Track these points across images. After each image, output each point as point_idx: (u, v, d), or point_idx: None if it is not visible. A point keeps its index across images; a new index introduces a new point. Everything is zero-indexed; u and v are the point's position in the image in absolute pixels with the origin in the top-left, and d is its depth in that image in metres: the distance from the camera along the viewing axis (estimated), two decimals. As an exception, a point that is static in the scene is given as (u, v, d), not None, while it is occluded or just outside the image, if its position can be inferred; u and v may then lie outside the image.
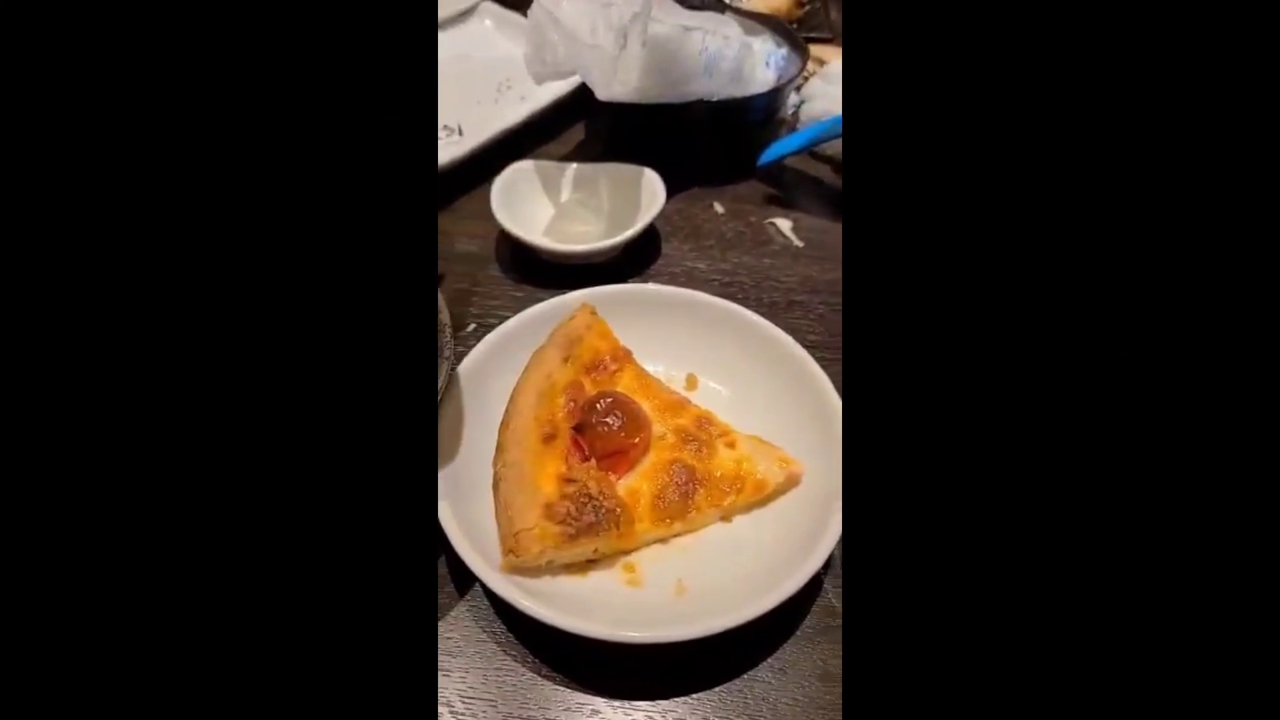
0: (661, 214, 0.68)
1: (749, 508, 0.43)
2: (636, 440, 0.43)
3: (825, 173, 0.73)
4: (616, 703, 0.38)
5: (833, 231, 0.67)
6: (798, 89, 0.79)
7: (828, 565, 0.43)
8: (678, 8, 0.64)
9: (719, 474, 0.43)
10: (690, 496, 0.42)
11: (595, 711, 0.38)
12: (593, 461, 0.42)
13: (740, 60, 0.66)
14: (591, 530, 0.39)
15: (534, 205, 0.64)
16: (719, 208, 0.69)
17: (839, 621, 0.41)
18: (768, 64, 0.73)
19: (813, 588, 0.42)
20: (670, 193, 0.70)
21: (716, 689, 0.38)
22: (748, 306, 0.59)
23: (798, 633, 0.41)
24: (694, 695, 0.38)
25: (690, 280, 0.62)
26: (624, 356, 0.49)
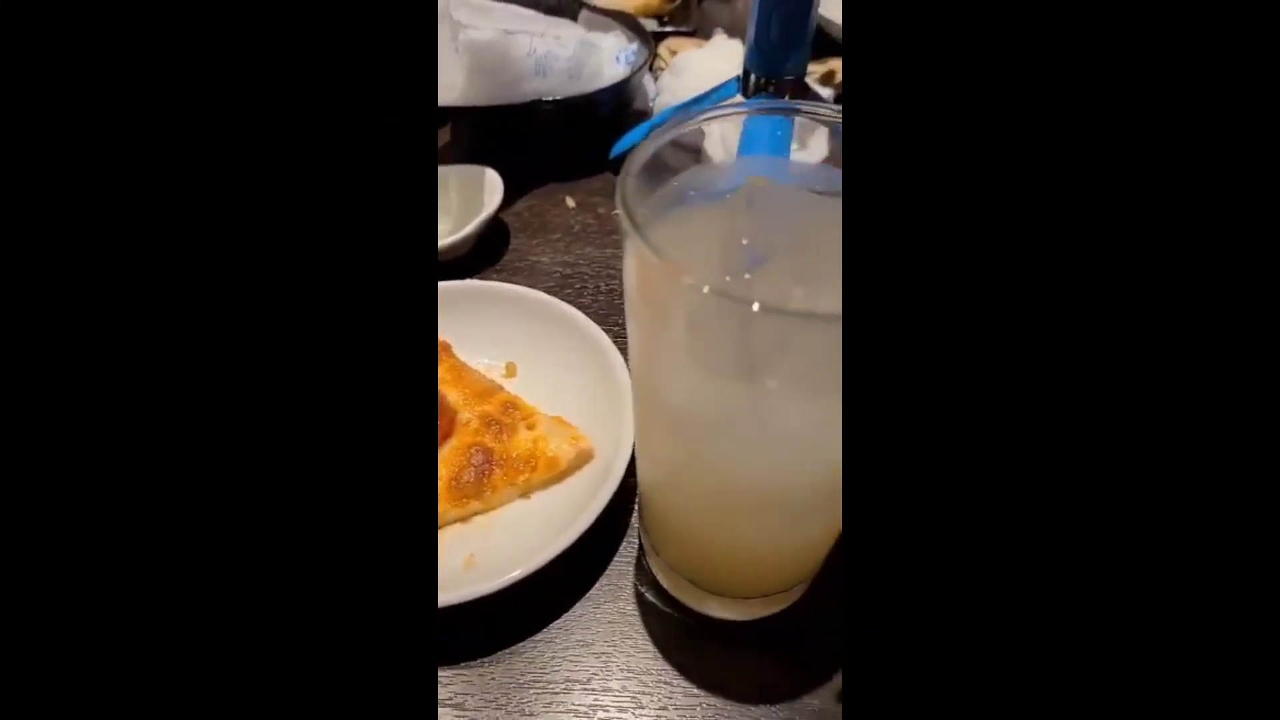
0: (514, 210, 0.71)
1: (546, 484, 0.47)
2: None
3: (678, 161, 0.76)
4: (409, 670, 0.41)
5: (677, 218, 0.70)
6: (655, 80, 0.82)
7: (625, 539, 0.47)
8: (509, 10, 0.67)
9: (515, 454, 0.46)
10: (486, 477, 0.45)
11: (389, 679, 0.41)
12: (391, 450, 0.45)
13: (580, 58, 0.69)
14: (380, 513, 0.42)
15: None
16: (571, 202, 0.72)
17: (627, 585, 0.44)
18: (618, 59, 0.76)
19: (601, 558, 0.45)
20: (526, 189, 0.73)
21: (503, 651, 0.42)
22: (585, 296, 0.63)
23: (586, 597, 0.44)
24: (483, 659, 0.41)
25: (533, 273, 0.65)
26: (442, 348, 0.52)
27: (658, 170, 0.31)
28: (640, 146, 0.29)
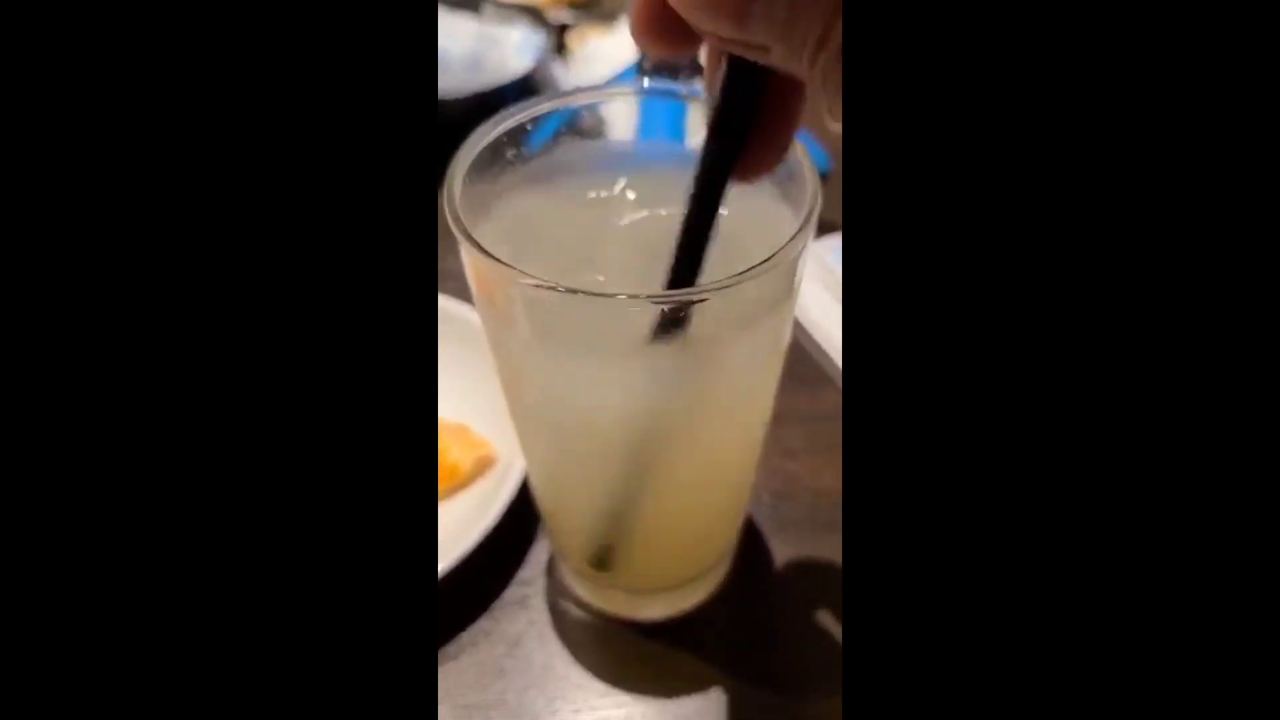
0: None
1: (449, 493, 0.45)
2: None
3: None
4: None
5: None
6: (568, 70, 0.80)
7: (535, 543, 0.45)
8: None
9: (414, 465, 0.45)
10: (384, 491, 0.44)
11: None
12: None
13: (478, 53, 0.68)
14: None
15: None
16: (482, 200, 0.70)
17: (538, 594, 0.43)
18: (524, 51, 0.74)
19: (500, 568, 0.44)
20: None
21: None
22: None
23: (491, 610, 0.43)
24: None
25: (443, 276, 0.63)
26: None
27: (491, 166, 0.30)
28: (464, 147, 0.28)
